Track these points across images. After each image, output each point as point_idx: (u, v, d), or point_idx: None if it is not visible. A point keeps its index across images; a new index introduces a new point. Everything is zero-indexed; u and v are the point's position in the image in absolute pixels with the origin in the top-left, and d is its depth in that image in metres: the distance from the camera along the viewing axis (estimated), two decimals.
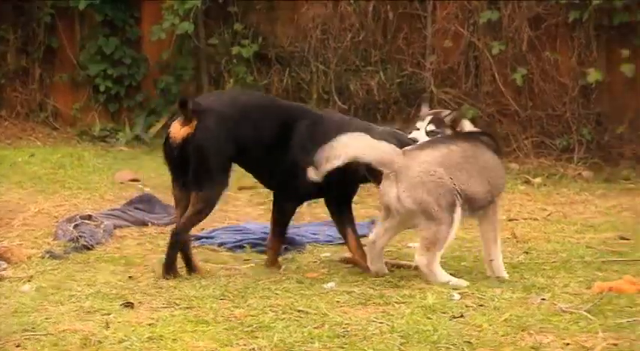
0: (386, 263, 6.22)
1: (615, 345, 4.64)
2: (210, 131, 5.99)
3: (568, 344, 4.67)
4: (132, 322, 4.95)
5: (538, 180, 10.08)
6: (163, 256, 6.59)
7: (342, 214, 6.38)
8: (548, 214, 8.28)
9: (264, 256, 6.49)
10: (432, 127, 5.92)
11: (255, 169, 6.34)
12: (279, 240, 6.36)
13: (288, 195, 6.30)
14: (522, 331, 4.87)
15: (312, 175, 5.72)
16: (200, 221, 6.15)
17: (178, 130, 6.03)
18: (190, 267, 6.10)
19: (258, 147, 6.13)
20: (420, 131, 5.99)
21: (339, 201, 6.37)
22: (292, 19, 11.88)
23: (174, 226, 6.12)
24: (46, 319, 5.03)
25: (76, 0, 12.17)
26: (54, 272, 6.08)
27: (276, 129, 6.14)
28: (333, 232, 7.35)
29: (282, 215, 6.32)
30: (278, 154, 6.13)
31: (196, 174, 5.96)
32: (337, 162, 5.68)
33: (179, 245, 6.01)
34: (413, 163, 5.74)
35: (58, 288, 5.67)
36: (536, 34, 10.94)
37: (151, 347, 4.59)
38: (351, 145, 5.73)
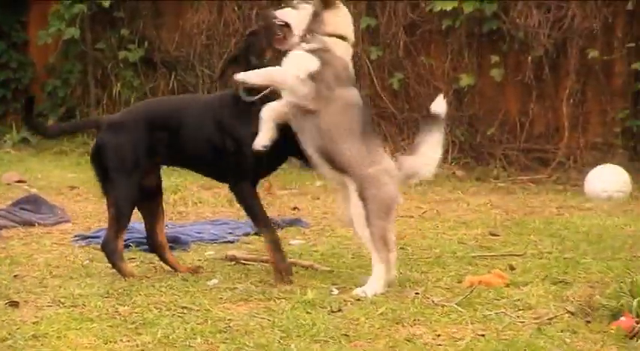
0: (267, 261, 6.24)
1: (483, 335, 4.72)
2: (106, 140, 5.92)
3: (439, 335, 4.74)
4: (16, 321, 4.86)
5: None
6: (49, 255, 6.52)
7: None
8: (423, 212, 8.37)
9: (149, 255, 6.43)
10: None
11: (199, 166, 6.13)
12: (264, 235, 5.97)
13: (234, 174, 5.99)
14: (397, 323, 4.92)
15: None
16: (121, 225, 5.90)
17: None
18: (174, 269, 6.05)
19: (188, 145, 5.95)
20: None
21: None
22: (177, 24, 11.83)
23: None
24: None
25: None
26: None
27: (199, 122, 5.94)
28: (217, 230, 7.34)
29: (241, 201, 6.02)
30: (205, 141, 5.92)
31: (102, 181, 5.91)
32: None
33: (113, 254, 5.87)
34: None
35: None
36: (411, 40, 11.07)
37: (34, 345, 4.51)
38: None
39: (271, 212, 7.92)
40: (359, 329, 4.83)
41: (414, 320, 4.97)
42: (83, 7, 11.49)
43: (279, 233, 7.27)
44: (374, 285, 5.53)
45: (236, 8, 11.56)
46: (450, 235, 7.39)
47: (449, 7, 10.62)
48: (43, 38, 11.70)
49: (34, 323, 4.84)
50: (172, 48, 11.87)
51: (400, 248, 6.87)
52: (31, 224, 7.47)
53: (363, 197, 5.55)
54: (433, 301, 5.31)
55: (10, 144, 11.81)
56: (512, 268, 6.16)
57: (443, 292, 5.57)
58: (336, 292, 5.55)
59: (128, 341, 4.61)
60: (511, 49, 10.74)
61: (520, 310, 5.19)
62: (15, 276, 5.89)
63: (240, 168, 5.86)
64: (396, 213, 5.88)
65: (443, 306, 5.22)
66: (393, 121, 11.19)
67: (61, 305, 5.20)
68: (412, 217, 8.16)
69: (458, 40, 10.89)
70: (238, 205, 8.25)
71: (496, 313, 5.09)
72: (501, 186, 10.08)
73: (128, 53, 11.75)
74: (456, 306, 5.19)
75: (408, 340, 4.65)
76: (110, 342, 4.58)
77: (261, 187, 9.13)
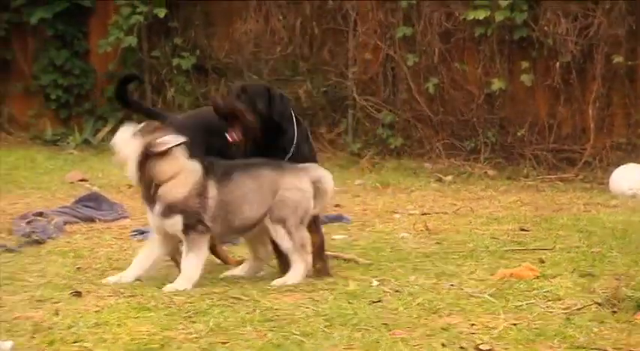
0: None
1: (515, 325, 4.68)
2: None
3: (474, 325, 4.71)
4: (80, 310, 4.89)
5: (449, 178, 10.17)
6: (109, 249, 6.56)
7: None
8: (458, 209, 8.34)
9: None
10: None
11: None
12: None
13: None
14: (434, 313, 4.90)
15: None
16: None
17: None
18: (224, 262, 6.08)
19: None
20: None
21: None
22: (227, 33, 11.85)
23: None
24: (0, 307, 4.95)
25: (29, 15, 12.05)
26: (8, 264, 5.98)
27: None
28: None
29: None
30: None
31: None
32: None
33: None
34: None
35: (11, 279, 5.58)
36: (446, 47, 11.03)
37: (97, 332, 4.53)
38: None
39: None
40: (398, 319, 4.81)
41: (450, 310, 4.95)
42: (140, 17, 11.55)
43: (323, 229, 7.29)
44: (294, 277, 5.51)
45: (281, 18, 11.57)
46: (482, 230, 7.35)
47: (481, 16, 10.57)
48: (103, 47, 11.78)
49: (95, 312, 4.86)
50: (222, 55, 11.89)
51: (436, 243, 6.86)
52: (93, 220, 7.52)
53: (276, 220, 5.51)
54: (468, 293, 5.28)
55: (73, 145, 11.89)
56: (542, 261, 6.12)
57: (476, 283, 5.54)
58: (376, 283, 5.54)
59: (183, 329, 4.62)
60: (540, 56, 10.67)
61: (550, 300, 5.16)
62: (78, 268, 5.92)
63: None
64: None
65: (477, 297, 5.19)
66: (429, 123, 11.16)
67: (120, 295, 5.22)
68: (446, 213, 8.13)
69: (490, 47, 10.83)
70: None
71: (527, 304, 5.06)
72: (531, 184, 10.01)
73: (181, 60, 11.79)
74: (489, 297, 5.16)
75: (444, 329, 4.62)
76: (166, 330, 4.60)
77: None
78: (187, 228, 5.41)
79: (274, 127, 5.64)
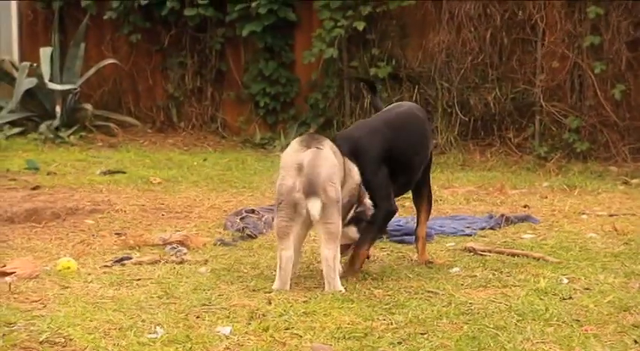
0: (502, 252, 6.19)
1: None
2: None
3: None
4: (289, 300, 4.99)
5: (635, 181, 9.80)
6: (314, 244, 6.65)
7: None
8: None
9: (398, 246, 6.46)
10: None
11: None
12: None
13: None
14: (624, 311, 4.75)
15: None
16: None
17: None
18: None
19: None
20: None
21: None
22: (421, 44, 11.82)
23: None
24: (220, 295, 5.11)
25: (241, 29, 12.39)
26: (225, 257, 6.17)
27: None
28: (456, 225, 7.29)
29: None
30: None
31: None
32: None
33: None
34: None
35: (228, 270, 5.76)
36: (633, 55, 10.66)
37: (306, 320, 4.62)
38: None
39: (503, 209, 7.86)
40: (588, 315, 4.69)
41: None
42: (341, 30, 11.68)
43: (512, 228, 7.18)
44: (275, 281, 5.25)
45: (472, 29, 11.45)
46: None
47: None
48: (307, 58, 11.97)
49: (304, 302, 4.96)
50: (416, 64, 11.88)
51: (624, 243, 6.63)
52: None
53: None
54: None
55: (279, 148, 12.13)
56: None
57: None
58: (565, 281, 5.41)
59: (384, 320, 4.65)
60: None
61: None
62: None
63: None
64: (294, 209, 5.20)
65: None
66: (615, 128, 10.81)
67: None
68: (634, 215, 7.84)
69: None
70: (474, 203, 8.26)
71: None
72: None
73: (378, 70, 11.84)
74: None
75: (636, 327, 4.47)
76: (368, 320, 4.64)
77: (494, 187, 9.07)
78: None
79: None
